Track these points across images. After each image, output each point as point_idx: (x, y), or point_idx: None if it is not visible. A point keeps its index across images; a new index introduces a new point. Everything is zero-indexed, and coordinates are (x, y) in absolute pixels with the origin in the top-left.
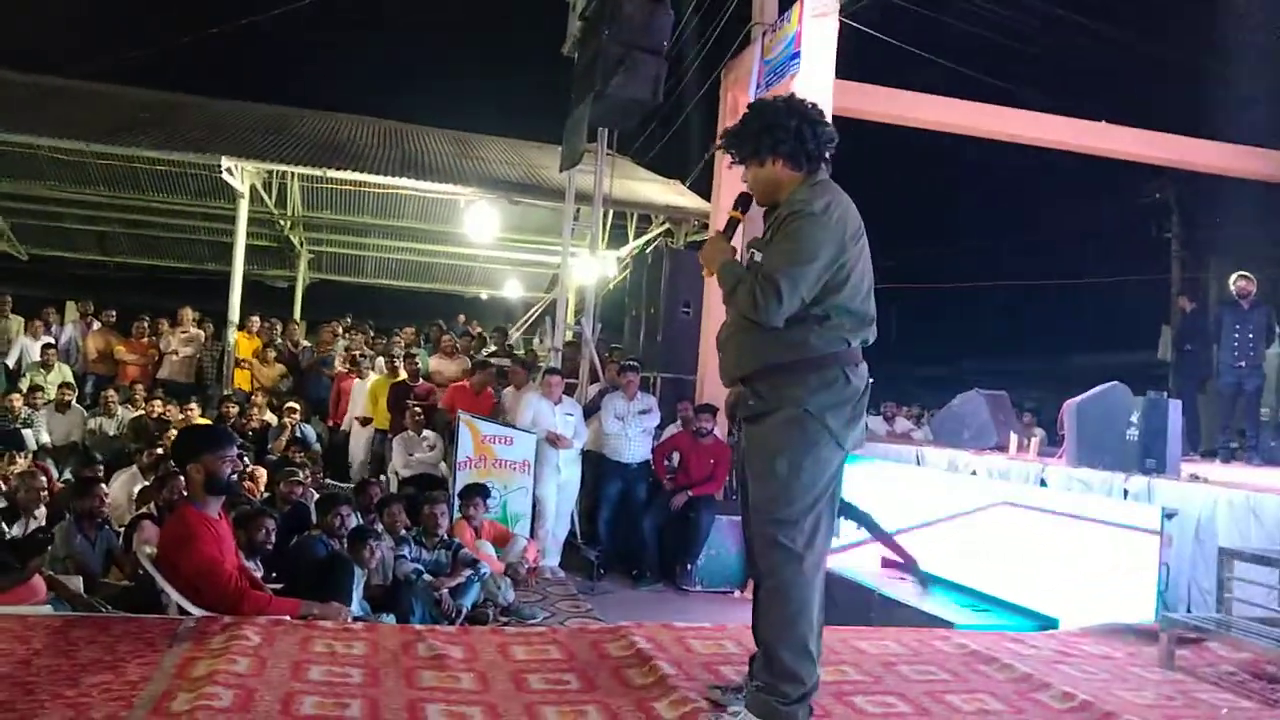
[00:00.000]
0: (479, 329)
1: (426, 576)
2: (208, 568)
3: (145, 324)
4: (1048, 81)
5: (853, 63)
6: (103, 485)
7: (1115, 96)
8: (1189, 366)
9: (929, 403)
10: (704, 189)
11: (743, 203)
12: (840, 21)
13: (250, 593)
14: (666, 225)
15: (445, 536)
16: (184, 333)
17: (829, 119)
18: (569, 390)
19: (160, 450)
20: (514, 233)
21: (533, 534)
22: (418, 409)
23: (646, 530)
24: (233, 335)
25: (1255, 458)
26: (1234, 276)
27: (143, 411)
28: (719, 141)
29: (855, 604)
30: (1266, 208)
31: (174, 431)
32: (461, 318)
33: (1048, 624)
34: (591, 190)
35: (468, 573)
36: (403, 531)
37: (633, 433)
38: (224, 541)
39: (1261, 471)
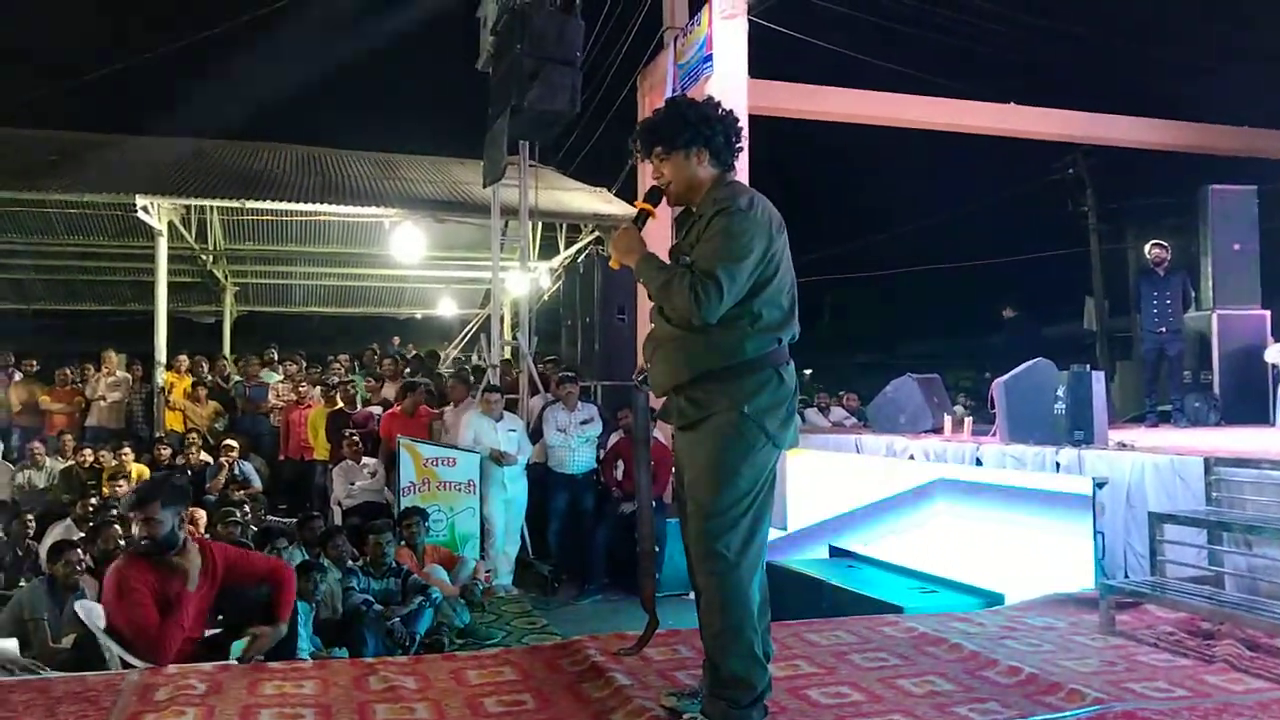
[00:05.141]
0: (415, 350)
1: (377, 606)
2: (142, 619)
3: (69, 371)
4: (963, 68)
5: (767, 61)
6: (78, 551)
7: (1029, 77)
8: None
9: (866, 391)
10: (630, 195)
11: (654, 196)
12: (750, 21)
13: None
14: (596, 233)
15: (393, 564)
16: (110, 377)
17: (744, 118)
18: (510, 405)
19: (94, 500)
20: (443, 251)
21: (482, 554)
22: (355, 437)
23: (598, 540)
24: (161, 375)
25: (1181, 420)
26: (1149, 245)
27: (73, 461)
28: (639, 128)
29: (806, 597)
30: (1176, 177)
31: (108, 479)
32: (396, 339)
33: (993, 600)
34: (517, 203)
35: (419, 599)
36: (349, 563)
37: (576, 443)
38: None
39: (1186, 433)
